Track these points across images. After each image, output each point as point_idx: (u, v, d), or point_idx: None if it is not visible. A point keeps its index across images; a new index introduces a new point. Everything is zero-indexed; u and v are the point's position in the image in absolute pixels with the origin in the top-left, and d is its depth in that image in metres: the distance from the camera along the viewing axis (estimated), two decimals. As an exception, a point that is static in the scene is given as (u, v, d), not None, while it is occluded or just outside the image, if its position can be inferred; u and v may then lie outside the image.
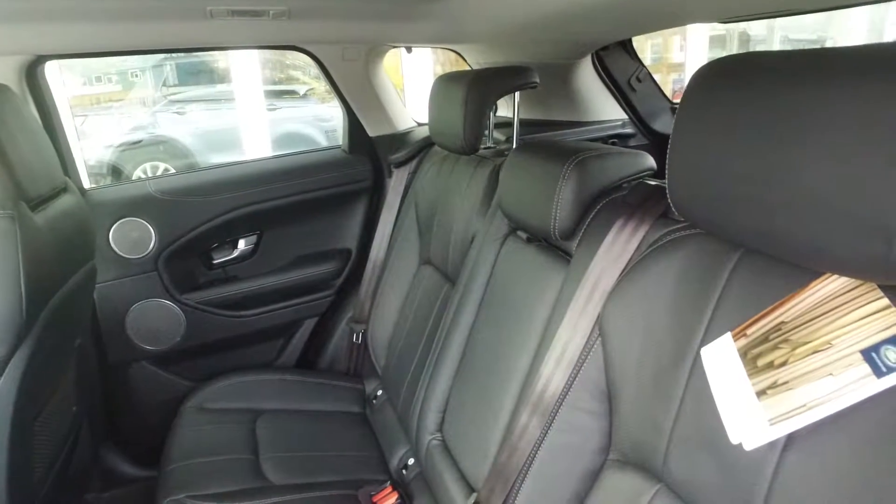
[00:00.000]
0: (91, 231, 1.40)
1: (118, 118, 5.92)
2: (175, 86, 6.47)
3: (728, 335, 0.65)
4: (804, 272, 0.59)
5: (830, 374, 0.55)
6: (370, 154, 1.94)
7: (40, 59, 1.50)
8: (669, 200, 0.69)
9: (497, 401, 1.03)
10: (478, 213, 1.33)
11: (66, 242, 1.24)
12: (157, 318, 1.71)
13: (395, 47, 1.91)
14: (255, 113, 5.76)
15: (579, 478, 0.84)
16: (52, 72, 1.60)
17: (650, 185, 0.89)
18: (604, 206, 0.93)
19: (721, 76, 0.61)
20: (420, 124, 2.07)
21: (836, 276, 0.57)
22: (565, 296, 0.91)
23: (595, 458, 0.83)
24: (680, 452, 0.69)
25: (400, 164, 1.82)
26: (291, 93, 6.53)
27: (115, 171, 5.39)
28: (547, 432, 0.86)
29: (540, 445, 0.87)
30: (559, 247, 1.02)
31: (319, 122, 6.05)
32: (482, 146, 1.41)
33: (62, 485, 1.42)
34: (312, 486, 1.29)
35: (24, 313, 1.01)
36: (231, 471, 1.32)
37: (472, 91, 1.32)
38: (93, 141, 5.15)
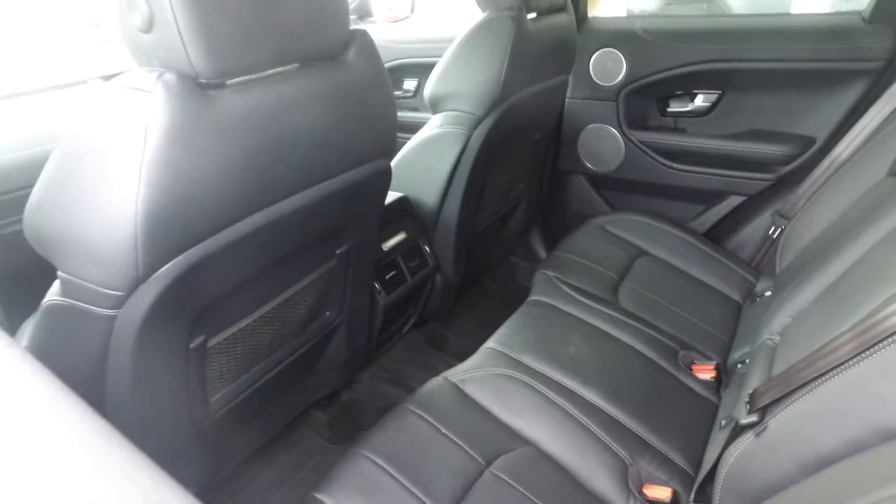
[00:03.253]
0: (572, 50, 1.67)
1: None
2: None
3: None
4: None
5: None
6: None
7: None
8: None
9: (843, 319, 0.89)
10: None
11: (548, 51, 1.55)
12: (604, 142, 1.96)
13: None
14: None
15: (867, 432, 0.68)
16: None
17: None
18: None
19: None
20: None
21: None
22: None
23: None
24: None
25: None
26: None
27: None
28: (855, 364, 0.74)
29: (839, 373, 0.76)
30: None
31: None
32: None
33: (501, 240, 1.92)
34: (647, 323, 1.41)
35: (501, 88, 1.37)
36: (594, 278, 1.55)
37: None
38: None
